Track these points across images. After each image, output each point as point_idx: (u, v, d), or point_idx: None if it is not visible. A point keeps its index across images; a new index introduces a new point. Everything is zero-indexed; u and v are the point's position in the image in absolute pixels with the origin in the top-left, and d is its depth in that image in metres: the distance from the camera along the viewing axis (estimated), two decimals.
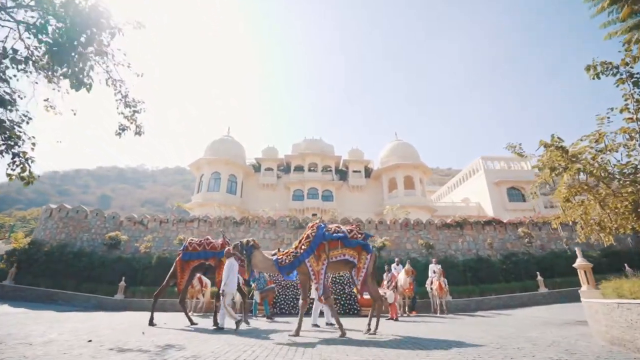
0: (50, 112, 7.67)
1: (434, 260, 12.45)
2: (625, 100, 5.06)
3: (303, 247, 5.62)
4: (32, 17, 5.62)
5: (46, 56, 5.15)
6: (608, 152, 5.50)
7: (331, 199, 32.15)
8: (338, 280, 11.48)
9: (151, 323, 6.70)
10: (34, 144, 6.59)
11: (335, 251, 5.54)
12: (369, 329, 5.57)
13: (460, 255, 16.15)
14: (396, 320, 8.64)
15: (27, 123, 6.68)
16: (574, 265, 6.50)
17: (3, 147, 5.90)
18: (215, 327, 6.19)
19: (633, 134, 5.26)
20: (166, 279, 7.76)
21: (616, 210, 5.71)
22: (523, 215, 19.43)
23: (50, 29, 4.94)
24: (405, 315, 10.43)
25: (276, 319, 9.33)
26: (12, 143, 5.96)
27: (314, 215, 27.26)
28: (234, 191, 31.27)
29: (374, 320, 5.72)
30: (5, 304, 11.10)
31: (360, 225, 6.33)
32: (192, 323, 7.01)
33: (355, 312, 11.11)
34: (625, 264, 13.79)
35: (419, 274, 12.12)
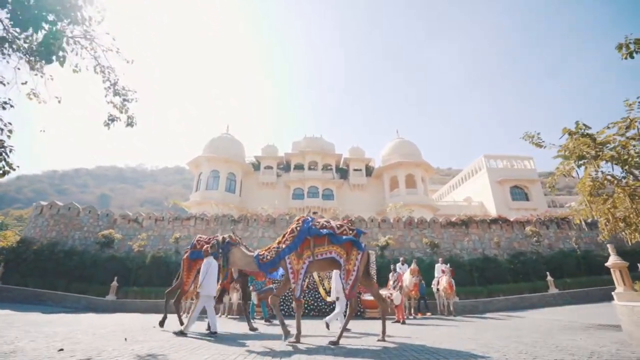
0: (33, 99, 7.16)
1: (440, 259, 11.91)
2: None
3: (287, 242, 5.06)
4: None
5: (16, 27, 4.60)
6: None
7: (332, 198, 31.60)
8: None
9: (163, 324, 6.66)
10: (10, 132, 6.06)
11: (320, 248, 4.95)
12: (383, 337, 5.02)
13: (466, 254, 15.61)
14: (403, 323, 8.09)
15: (3, 108, 6.16)
16: (607, 264, 5.91)
17: None
18: (211, 332, 5.64)
19: None
20: (179, 278, 7.35)
21: None
22: (530, 214, 18.89)
23: None
24: (411, 317, 9.89)
25: (275, 321, 8.77)
26: None
27: (314, 213, 26.70)
28: (233, 190, 30.74)
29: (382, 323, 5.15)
30: None
31: (352, 221, 5.53)
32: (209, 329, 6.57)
33: (359, 313, 10.55)
34: (639, 264, 13.25)
35: (424, 274, 11.58)
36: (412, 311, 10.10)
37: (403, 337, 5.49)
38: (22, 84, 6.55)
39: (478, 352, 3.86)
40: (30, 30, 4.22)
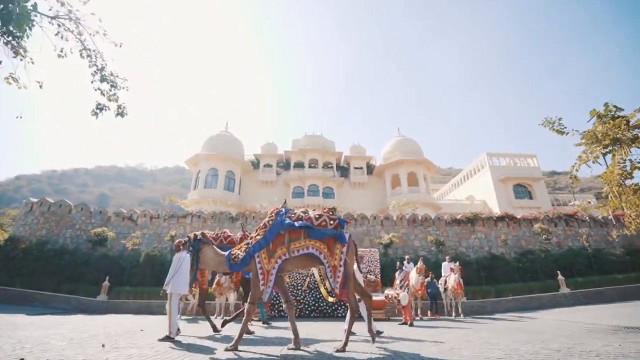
0: (12, 84, 6.63)
1: (447, 257, 11.39)
2: None
3: (258, 237, 4.46)
4: None
5: None
6: None
7: (332, 196, 31.07)
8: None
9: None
10: None
11: (296, 243, 4.30)
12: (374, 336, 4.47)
13: (472, 252, 15.08)
14: (411, 325, 7.56)
15: None
16: None
17: None
18: (167, 336, 5.01)
19: None
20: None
21: None
22: (538, 211, 18.34)
23: None
24: (417, 318, 9.35)
25: (274, 323, 8.23)
26: None
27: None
28: (232, 188, 30.22)
29: (375, 326, 4.59)
30: None
31: (333, 210, 4.71)
32: (215, 330, 6.04)
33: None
34: None
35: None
36: (419, 312, 9.57)
37: (415, 341, 4.96)
38: None
39: None
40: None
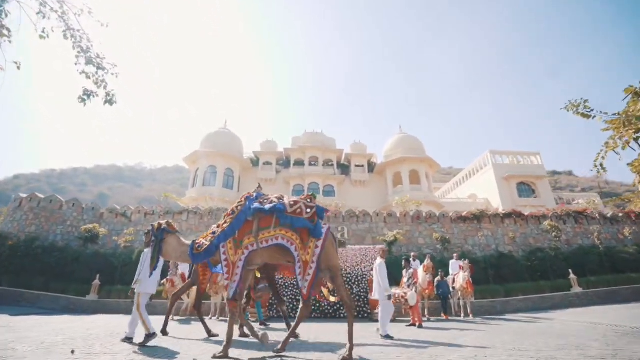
0: None
1: (455, 255, 10.86)
2: None
3: (225, 225, 3.93)
4: None
5: None
6: None
7: (333, 195, 30.50)
8: (344, 279, 9.85)
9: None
10: None
11: (266, 232, 3.72)
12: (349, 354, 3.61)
13: (478, 250, 14.53)
14: (420, 326, 7.01)
15: None
16: None
17: None
18: (127, 337, 4.50)
19: None
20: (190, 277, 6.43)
21: None
22: (546, 208, 17.79)
23: None
24: (425, 319, 8.79)
25: (273, 324, 7.67)
26: None
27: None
28: (231, 186, 29.70)
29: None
30: None
31: (312, 197, 4.21)
32: (209, 333, 5.48)
33: (366, 315, 9.48)
34: None
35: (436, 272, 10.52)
36: (426, 312, 9.02)
37: (431, 344, 4.42)
38: None
39: None
40: None
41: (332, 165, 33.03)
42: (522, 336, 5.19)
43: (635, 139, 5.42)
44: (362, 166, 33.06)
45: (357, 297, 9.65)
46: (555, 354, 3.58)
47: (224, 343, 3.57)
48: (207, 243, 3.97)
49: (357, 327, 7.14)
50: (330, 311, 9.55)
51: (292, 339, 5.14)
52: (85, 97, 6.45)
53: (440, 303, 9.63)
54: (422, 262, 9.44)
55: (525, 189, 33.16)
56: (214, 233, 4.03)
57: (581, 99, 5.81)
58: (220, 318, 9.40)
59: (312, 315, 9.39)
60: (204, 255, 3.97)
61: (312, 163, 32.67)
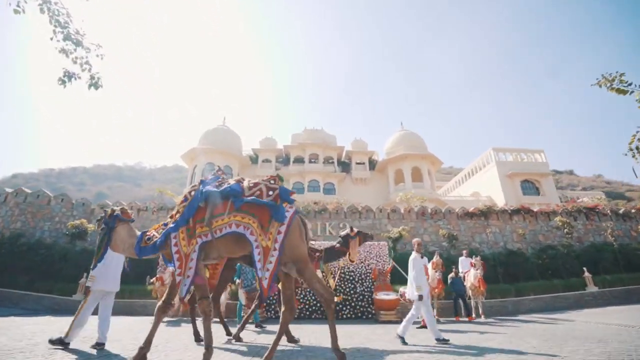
0: None
1: (464, 252, 10.25)
2: None
3: (177, 214, 3.41)
4: None
5: None
6: None
7: (333, 192, 29.89)
8: (347, 277, 9.23)
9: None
10: None
11: (219, 219, 3.18)
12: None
13: (486, 248, 13.91)
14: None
15: None
16: None
17: None
18: (97, 343, 4.00)
19: None
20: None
21: None
22: (555, 204, 17.17)
23: None
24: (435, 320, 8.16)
25: (269, 327, 7.05)
26: None
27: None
28: None
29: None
30: None
31: (277, 177, 3.58)
32: (197, 339, 4.89)
33: (370, 316, 8.86)
34: None
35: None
36: (436, 313, 8.39)
37: (452, 350, 3.79)
38: None
39: None
40: None
41: (333, 162, 32.43)
42: (552, 341, 4.57)
43: None
44: (363, 164, 32.47)
45: (361, 297, 9.03)
46: None
47: (204, 350, 2.96)
48: (158, 235, 3.42)
49: (364, 329, 6.52)
50: None
51: (291, 345, 4.53)
52: (66, 79, 5.77)
53: (453, 303, 8.99)
54: (430, 259, 8.82)
55: (530, 186, 32.53)
56: (165, 224, 3.47)
57: (617, 72, 5.12)
58: (215, 319, 8.77)
59: (313, 317, 8.78)
60: (151, 250, 3.40)
61: (312, 160, 32.06)
